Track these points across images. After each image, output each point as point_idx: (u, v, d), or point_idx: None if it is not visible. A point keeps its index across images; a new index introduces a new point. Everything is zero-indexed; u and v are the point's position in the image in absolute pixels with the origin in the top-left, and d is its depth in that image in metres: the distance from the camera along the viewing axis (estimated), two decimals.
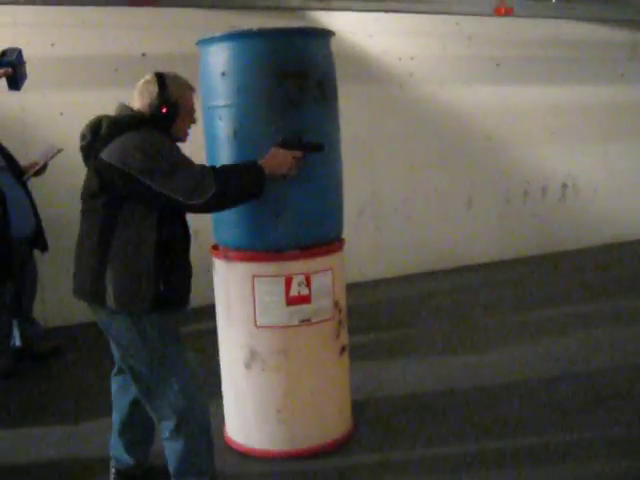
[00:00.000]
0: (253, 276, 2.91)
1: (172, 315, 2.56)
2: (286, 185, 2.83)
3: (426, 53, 6.45)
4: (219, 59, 2.85)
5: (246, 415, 3.07)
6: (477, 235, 6.94)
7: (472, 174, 6.82)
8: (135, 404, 2.72)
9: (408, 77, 6.38)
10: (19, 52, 2.73)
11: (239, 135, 2.82)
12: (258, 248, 2.92)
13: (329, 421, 3.13)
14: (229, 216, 2.94)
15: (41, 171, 4.38)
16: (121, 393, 2.79)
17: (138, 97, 2.54)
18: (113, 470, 2.87)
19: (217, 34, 2.88)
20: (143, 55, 5.31)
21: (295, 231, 2.92)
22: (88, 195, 2.50)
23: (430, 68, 6.49)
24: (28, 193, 4.33)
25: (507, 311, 5.37)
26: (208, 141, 2.99)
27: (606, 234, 7.68)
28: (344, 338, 3.15)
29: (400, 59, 6.30)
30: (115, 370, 2.82)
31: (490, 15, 6.29)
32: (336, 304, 3.05)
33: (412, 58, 6.36)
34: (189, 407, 2.51)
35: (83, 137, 2.50)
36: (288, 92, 2.80)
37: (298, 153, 2.73)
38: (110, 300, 2.40)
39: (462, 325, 5.03)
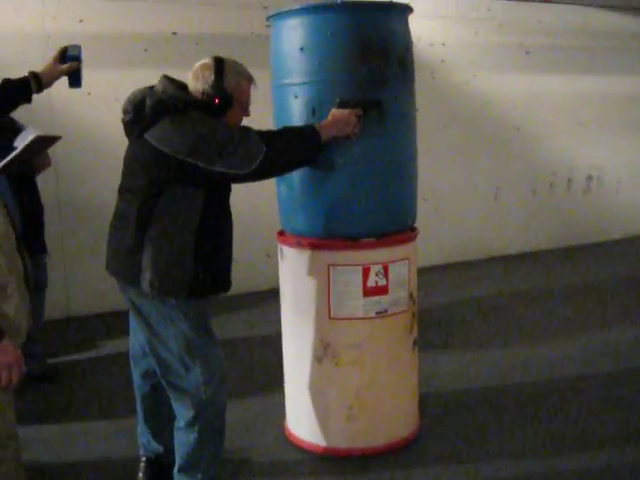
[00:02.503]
0: (329, 265, 2.74)
1: (207, 303, 2.45)
2: (364, 169, 2.68)
3: (457, 39, 6.27)
4: (297, 34, 2.67)
5: (313, 411, 2.91)
6: (503, 226, 6.82)
7: (500, 164, 6.68)
8: (159, 388, 2.57)
9: (440, 64, 6.21)
10: (80, 48, 2.55)
11: (318, 113, 2.64)
12: (334, 236, 2.75)
13: (400, 418, 2.98)
14: (302, 202, 2.79)
15: (25, 160, 3.41)
16: (144, 379, 2.66)
17: (192, 79, 2.38)
18: (143, 459, 2.75)
19: (294, 7, 2.70)
20: (174, 34, 5.10)
21: (373, 218, 2.76)
22: (129, 173, 2.39)
23: (461, 55, 6.31)
24: (15, 189, 3.54)
25: (546, 303, 5.24)
26: (279, 121, 2.80)
27: (629, 227, 7.59)
28: (415, 331, 3.00)
29: (432, 45, 6.13)
30: (133, 355, 2.67)
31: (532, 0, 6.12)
32: (411, 295, 2.90)
33: (444, 44, 6.19)
34: (210, 401, 2.40)
35: (125, 112, 2.37)
36: (371, 69, 2.63)
37: (359, 111, 2.59)
38: (145, 284, 2.29)
39: (506, 318, 4.91)
